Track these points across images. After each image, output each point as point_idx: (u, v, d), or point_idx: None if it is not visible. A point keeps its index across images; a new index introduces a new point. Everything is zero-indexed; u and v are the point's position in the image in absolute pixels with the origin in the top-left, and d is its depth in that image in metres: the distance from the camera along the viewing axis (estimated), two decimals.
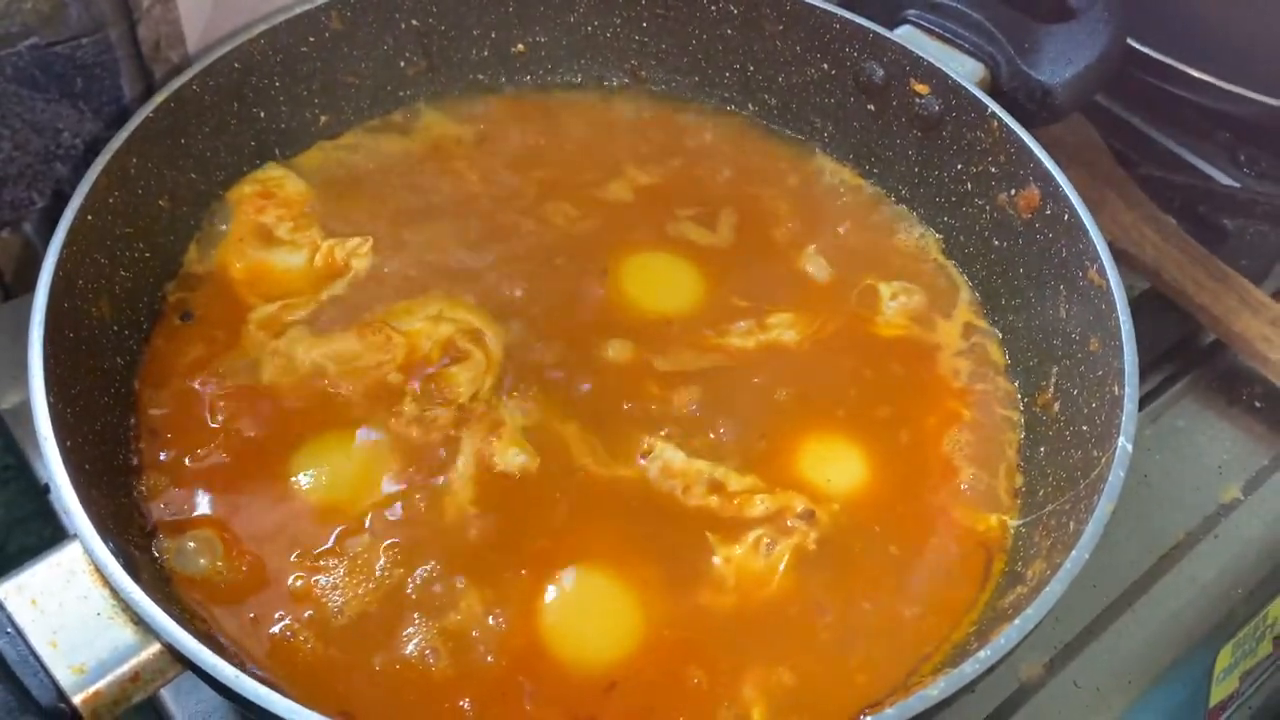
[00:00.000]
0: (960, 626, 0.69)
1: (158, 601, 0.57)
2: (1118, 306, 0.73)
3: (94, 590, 0.59)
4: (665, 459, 0.75)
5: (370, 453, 0.73)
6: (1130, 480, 0.66)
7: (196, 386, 0.75)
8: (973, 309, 0.87)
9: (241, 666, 0.56)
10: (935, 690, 0.56)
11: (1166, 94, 1.08)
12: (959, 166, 0.88)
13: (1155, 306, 0.99)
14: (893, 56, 0.89)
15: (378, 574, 0.68)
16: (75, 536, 0.59)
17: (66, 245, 0.69)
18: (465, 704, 0.64)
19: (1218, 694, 0.89)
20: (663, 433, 0.76)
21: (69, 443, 0.63)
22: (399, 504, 0.71)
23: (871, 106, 0.93)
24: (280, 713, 0.54)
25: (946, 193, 0.90)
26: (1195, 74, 1.06)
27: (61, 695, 0.56)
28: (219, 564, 0.68)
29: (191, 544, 0.68)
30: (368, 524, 0.70)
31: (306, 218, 0.86)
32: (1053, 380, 0.79)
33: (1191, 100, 1.08)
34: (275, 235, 0.84)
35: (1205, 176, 1.10)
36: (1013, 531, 0.75)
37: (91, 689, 0.57)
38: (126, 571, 0.58)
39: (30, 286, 0.67)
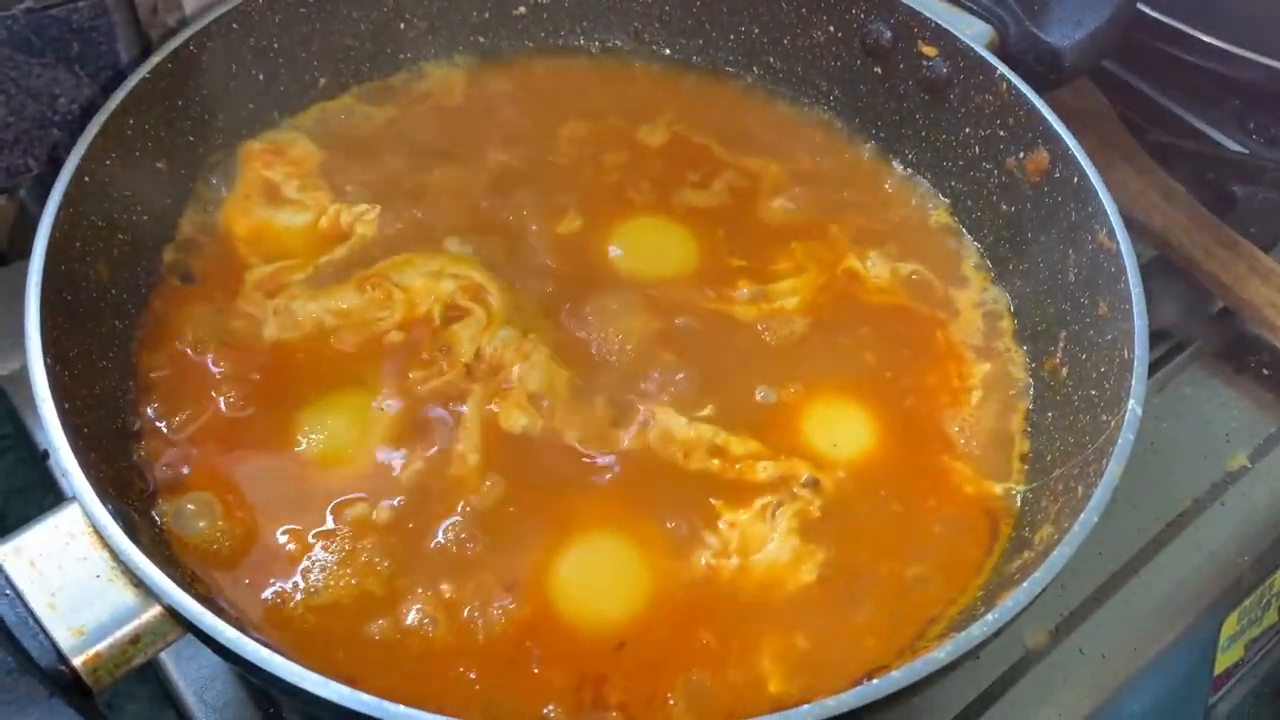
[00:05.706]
0: (967, 591, 0.69)
1: (158, 564, 0.56)
2: (1127, 269, 0.72)
3: (93, 552, 0.58)
4: (666, 424, 0.74)
5: (371, 414, 0.73)
6: (1137, 448, 0.65)
7: (195, 348, 0.75)
8: (980, 274, 0.87)
9: (241, 630, 0.55)
10: (942, 653, 0.56)
11: (1176, 59, 1.07)
12: (967, 130, 0.87)
13: (1163, 274, 0.98)
14: (900, 18, 0.88)
15: (378, 537, 0.68)
16: (74, 499, 0.59)
17: (63, 207, 0.69)
18: (471, 670, 0.64)
19: (1223, 661, 0.89)
20: (664, 397, 0.75)
21: (67, 406, 0.62)
22: (400, 465, 0.71)
23: (878, 69, 0.91)
24: (282, 675, 0.53)
25: (954, 157, 0.89)
26: (1205, 39, 1.04)
27: (61, 657, 0.56)
28: (219, 525, 0.67)
29: (190, 506, 0.67)
30: (368, 486, 0.70)
31: (314, 179, 0.85)
32: (1061, 345, 0.78)
33: (1201, 66, 1.06)
34: (282, 194, 0.84)
35: (1214, 143, 1.09)
36: (1020, 496, 0.74)
37: (91, 651, 0.57)
38: (126, 534, 0.57)
39: (27, 252, 0.67)
